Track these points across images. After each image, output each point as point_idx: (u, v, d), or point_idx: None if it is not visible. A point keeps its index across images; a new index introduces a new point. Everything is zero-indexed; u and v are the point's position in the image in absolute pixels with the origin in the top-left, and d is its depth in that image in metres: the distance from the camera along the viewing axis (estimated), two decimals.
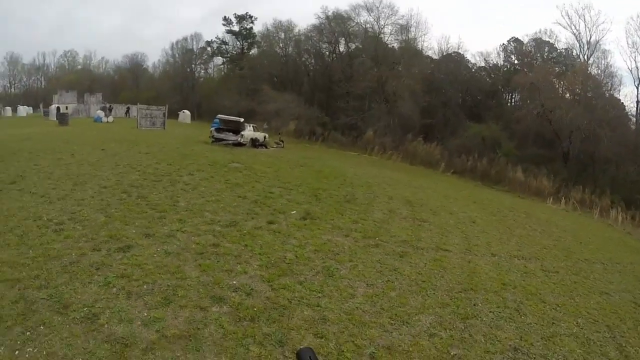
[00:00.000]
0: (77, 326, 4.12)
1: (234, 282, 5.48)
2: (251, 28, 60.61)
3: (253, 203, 9.87)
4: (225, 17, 60.75)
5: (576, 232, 15.80)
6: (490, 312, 5.95)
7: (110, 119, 39.41)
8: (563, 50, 44.26)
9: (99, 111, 40.71)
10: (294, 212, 9.43)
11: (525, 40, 47.38)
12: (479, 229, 11.54)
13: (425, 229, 9.99)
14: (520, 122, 37.15)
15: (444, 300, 5.96)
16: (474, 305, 6.04)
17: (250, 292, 5.24)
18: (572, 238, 13.88)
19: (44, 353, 3.69)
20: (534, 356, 5.02)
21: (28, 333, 3.98)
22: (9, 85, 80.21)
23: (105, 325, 4.15)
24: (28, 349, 3.74)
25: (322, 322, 4.76)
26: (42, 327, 4.08)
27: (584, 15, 39.12)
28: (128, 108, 47.81)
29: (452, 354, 4.59)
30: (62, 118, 33.16)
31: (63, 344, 3.81)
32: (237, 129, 23.90)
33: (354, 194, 12.79)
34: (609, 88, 40.14)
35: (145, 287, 5.05)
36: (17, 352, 3.69)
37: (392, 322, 5.02)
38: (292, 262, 6.48)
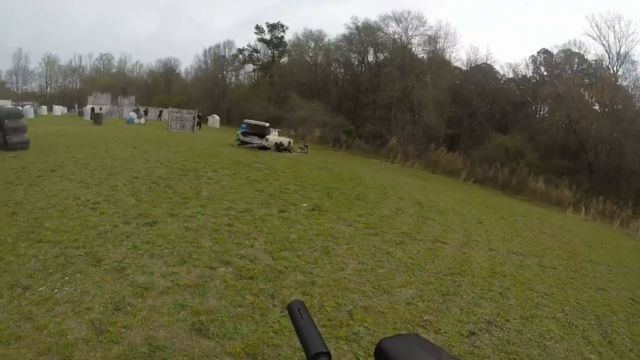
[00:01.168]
0: (107, 275, 5.02)
1: (241, 252, 6.34)
2: (282, 37, 62.37)
3: (268, 196, 10.75)
4: (257, 25, 62.79)
5: (588, 237, 16.01)
6: (472, 292, 6.38)
7: (143, 120, 41.17)
8: (593, 62, 44.14)
9: (132, 113, 42.54)
10: (305, 204, 10.27)
11: (555, 51, 47.56)
12: (484, 228, 11.99)
13: (428, 225, 10.60)
14: (546, 134, 37.46)
15: (429, 279, 6.56)
16: (458, 286, 6.52)
17: (253, 259, 6.09)
18: (582, 242, 14.12)
19: (79, 292, 4.57)
20: (508, 330, 5.34)
21: (66, 278, 4.87)
22: (45, 85, 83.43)
23: (130, 275, 5.05)
24: (65, 289, 4.61)
25: (311, 284, 5.54)
26: (78, 275, 4.98)
27: (613, 26, 39.44)
28: (161, 111, 49.53)
29: (424, 318, 5.18)
30: (97, 118, 35.03)
31: (95, 286, 4.70)
32: (262, 133, 25.00)
33: (366, 194, 13.54)
34: (637, 100, 39.99)
35: (166, 251, 5.97)
36: (56, 290, 4.56)
37: (374, 290, 5.73)
38: (294, 241, 7.30)
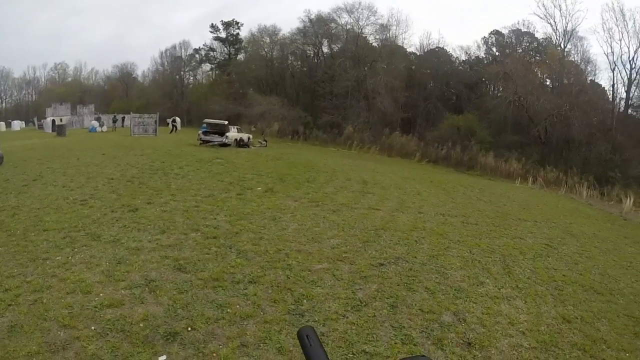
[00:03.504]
0: (107, 245, 6.93)
1: (207, 223, 8.37)
2: (237, 34, 63.47)
3: (228, 184, 12.73)
4: (212, 24, 63.75)
5: (526, 202, 17.51)
6: (390, 240, 8.22)
7: (105, 128, 42.12)
8: (543, 40, 46.43)
9: (94, 122, 43.33)
10: (260, 188, 12.31)
11: (505, 32, 49.84)
12: (420, 198, 13.92)
13: (367, 198, 12.62)
14: (495, 111, 39.55)
15: (355, 233, 8.55)
16: (378, 237, 8.42)
17: (216, 227, 8.13)
18: (518, 206, 15.59)
19: (88, 256, 6.43)
20: (413, 263, 7.02)
21: (75, 250, 6.73)
22: (0, 100, 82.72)
23: (125, 243, 6.99)
24: (77, 256, 6.45)
25: (259, 239, 7.58)
26: (84, 247, 6.84)
27: (559, 5, 41.57)
28: (115, 118, 47.37)
29: (344, 256, 7.13)
30: (60, 129, 35.89)
31: (99, 252, 6.58)
32: (222, 131, 26.77)
33: (316, 177, 15.56)
34: (587, 73, 42.59)
35: (149, 226, 7.95)
36: (69, 257, 6.39)
37: (307, 241, 7.79)
38: (249, 213, 9.35)
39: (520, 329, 5.23)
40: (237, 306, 5.06)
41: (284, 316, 4.91)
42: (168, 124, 46.30)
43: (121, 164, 15.44)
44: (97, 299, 5.09)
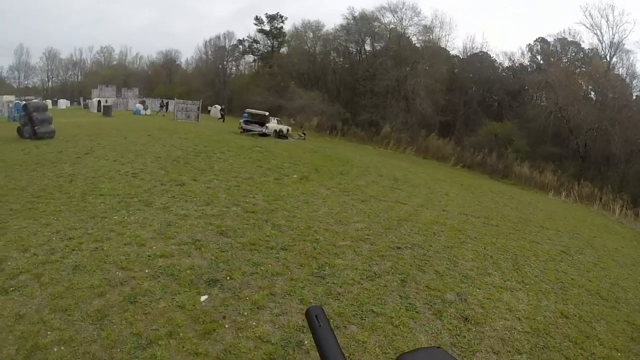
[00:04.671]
0: (158, 210, 8.03)
1: (246, 200, 9.44)
2: (281, 27, 65.03)
3: (267, 170, 13.78)
4: (257, 16, 65.31)
5: (554, 212, 17.23)
6: (410, 230, 8.99)
7: (149, 111, 44.05)
8: (589, 51, 45.67)
9: (138, 105, 45.37)
10: (295, 175, 13.30)
11: (551, 40, 49.30)
12: (447, 198, 14.42)
13: (395, 193, 13.42)
14: (535, 120, 39.27)
15: (380, 222, 9.39)
16: (400, 226, 9.21)
17: (254, 204, 9.18)
18: (544, 215, 15.31)
19: (141, 218, 7.51)
20: (428, 250, 7.59)
21: (130, 212, 7.84)
22: (47, 79, 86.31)
23: (174, 210, 8.08)
24: (132, 217, 7.54)
25: (292, 217, 8.57)
26: (137, 211, 7.95)
27: (607, 15, 41.40)
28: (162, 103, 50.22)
29: (365, 237, 7.99)
30: (107, 110, 37.99)
31: (151, 216, 7.69)
32: (262, 121, 28.01)
33: (349, 170, 16.48)
34: (633, 88, 42.05)
35: (195, 199, 9.06)
36: (125, 217, 7.50)
37: (334, 222, 8.72)
38: (284, 196, 10.37)
39: (517, 316, 5.78)
40: (269, 265, 6.03)
41: (308, 277, 5.84)
42: (209, 111, 47.89)
43: (166, 145, 16.64)
44: (150, 250, 6.15)
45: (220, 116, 42.17)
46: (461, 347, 4.79)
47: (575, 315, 6.14)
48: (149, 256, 5.92)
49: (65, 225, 6.90)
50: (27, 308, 4.44)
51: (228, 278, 5.51)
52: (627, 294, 7.79)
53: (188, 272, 5.55)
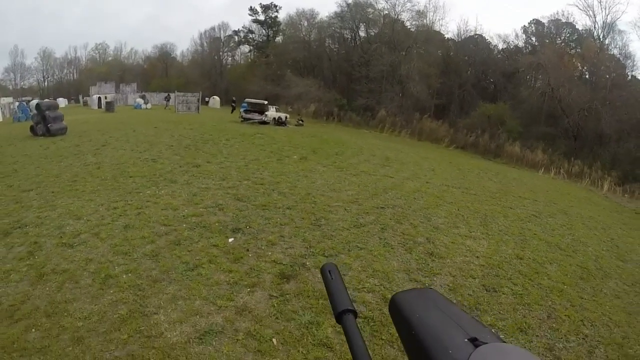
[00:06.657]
0: (182, 185, 9.97)
1: (255, 175, 11.41)
2: (276, 17, 66.00)
3: (269, 152, 15.70)
4: (251, 7, 66.34)
5: (537, 186, 18.43)
6: (394, 196, 10.73)
7: (149, 105, 45.69)
8: (584, 32, 46.18)
9: (139, 99, 47.03)
10: (295, 156, 15.21)
11: (545, 22, 50.04)
12: (433, 173, 16.01)
13: (385, 169, 15.25)
14: (528, 101, 40.49)
15: (368, 190, 11.24)
16: (385, 193, 11.02)
17: (262, 178, 11.15)
18: (526, 188, 16.32)
19: (170, 192, 9.41)
20: (407, 210, 9.36)
21: (160, 187, 9.75)
22: (42, 79, 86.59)
23: (195, 185, 10.02)
24: (161, 192, 9.43)
25: (294, 187, 10.51)
26: (165, 186, 9.86)
27: None
28: (167, 96, 49.82)
29: (354, 200, 9.80)
30: (109, 106, 39.65)
31: (178, 189, 9.61)
32: (262, 110, 29.84)
33: (344, 151, 18.35)
34: (627, 68, 42.43)
35: (212, 176, 11.03)
36: (156, 191, 9.39)
37: (329, 190, 10.65)
38: (286, 172, 12.32)
39: (476, 255, 7.40)
40: (278, 219, 7.97)
41: (308, 225, 7.77)
42: (207, 102, 49.32)
43: (175, 135, 18.44)
44: (183, 212, 8.04)
45: (232, 108, 42.67)
46: (425, 271, 6.42)
47: (530, 258, 7.37)
48: (183, 216, 7.81)
49: (107, 199, 8.76)
50: (94, 254, 6.17)
51: (248, 227, 7.41)
52: (587, 248, 8.84)
53: (216, 224, 7.46)
